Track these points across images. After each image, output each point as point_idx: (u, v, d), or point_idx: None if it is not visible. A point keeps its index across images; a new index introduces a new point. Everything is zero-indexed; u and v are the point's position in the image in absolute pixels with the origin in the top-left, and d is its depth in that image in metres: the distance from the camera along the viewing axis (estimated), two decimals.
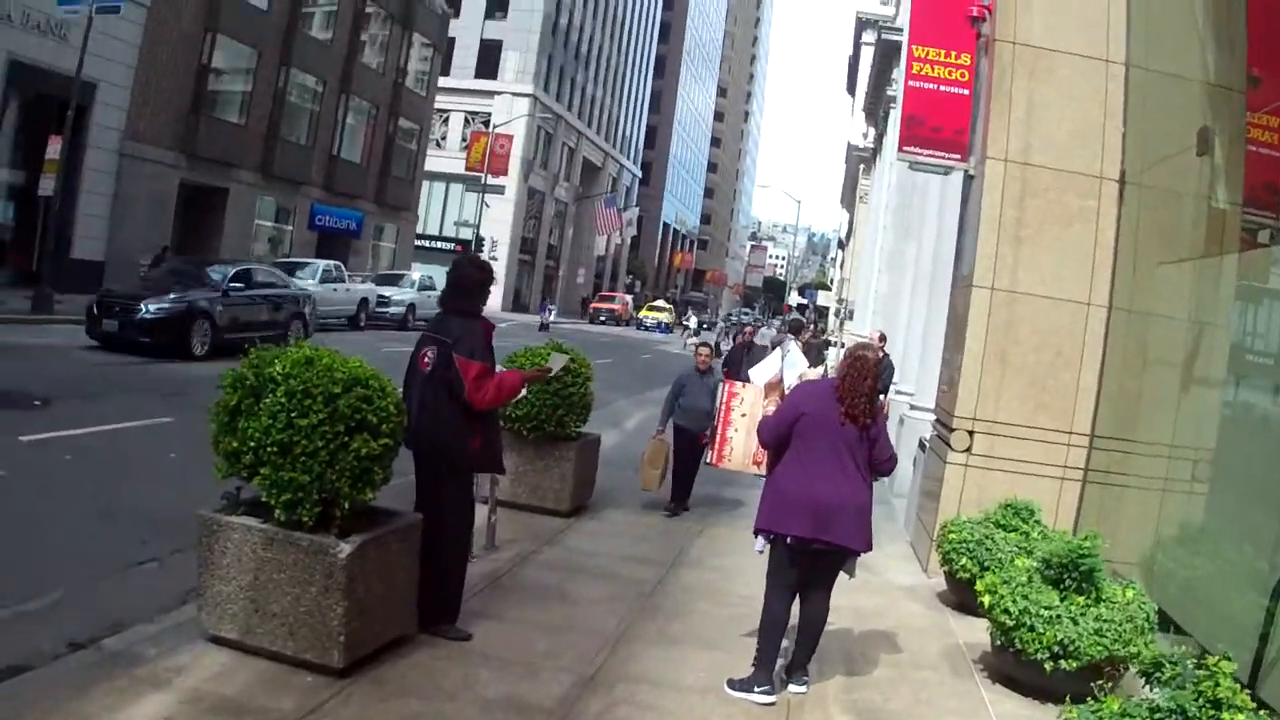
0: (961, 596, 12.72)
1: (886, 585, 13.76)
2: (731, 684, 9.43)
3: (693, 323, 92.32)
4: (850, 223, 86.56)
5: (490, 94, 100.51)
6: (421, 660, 9.22)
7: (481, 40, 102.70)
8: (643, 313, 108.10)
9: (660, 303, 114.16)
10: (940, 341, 17.51)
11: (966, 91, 15.99)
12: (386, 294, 54.91)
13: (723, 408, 12.38)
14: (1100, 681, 9.13)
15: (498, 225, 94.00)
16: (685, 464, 16.89)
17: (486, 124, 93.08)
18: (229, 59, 54.39)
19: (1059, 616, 9.82)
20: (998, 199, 14.11)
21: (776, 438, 9.69)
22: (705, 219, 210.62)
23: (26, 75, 40.95)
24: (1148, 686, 7.22)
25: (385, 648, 9.15)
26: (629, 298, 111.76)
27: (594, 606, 11.42)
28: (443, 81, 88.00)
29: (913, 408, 21.50)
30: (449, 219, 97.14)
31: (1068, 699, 7.55)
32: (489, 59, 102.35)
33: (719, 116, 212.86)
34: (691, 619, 11.39)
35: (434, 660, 9.26)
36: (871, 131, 62.24)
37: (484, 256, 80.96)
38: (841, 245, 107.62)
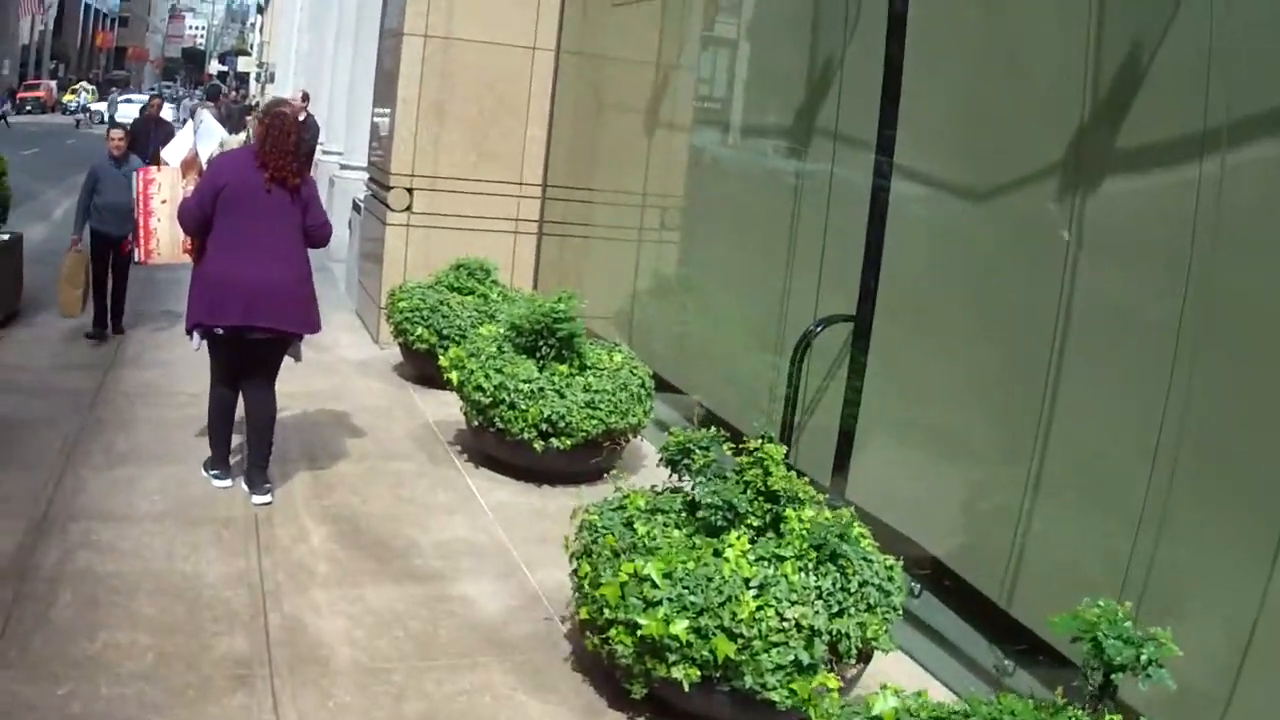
0: (421, 368, 11.32)
1: (338, 362, 12.27)
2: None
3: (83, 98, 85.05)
4: None
5: None
6: None
7: None
8: (66, 97, 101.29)
9: (82, 84, 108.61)
10: (369, 97, 15.90)
11: None
12: None
13: (140, 198, 10.19)
14: (599, 459, 8.41)
15: None
16: (110, 278, 13.30)
17: None
18: None
19: (542, 390, 8.51)
20: None
21: (199, 220, 8.03)
22: None
23: None
24: (675, 476, 5.84)
25: None
26: (53, 83, 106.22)
27: (35, 430, 9.42)
28: None
29: (343, 167, 19.86)
30: None
31: (580, 490, 6.29)
32: None
33: None
34: (138, 429, 9.59)
35: None
36: None
37: None
38: (260, 10, 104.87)
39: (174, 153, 10.14)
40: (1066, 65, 6.07)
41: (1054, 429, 6.03)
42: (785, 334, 8.70)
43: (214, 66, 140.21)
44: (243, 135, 20.28)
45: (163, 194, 9.90)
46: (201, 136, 9.83)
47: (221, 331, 7.93)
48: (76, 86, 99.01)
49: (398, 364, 12.14)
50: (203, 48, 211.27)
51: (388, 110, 13.34)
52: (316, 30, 31.00)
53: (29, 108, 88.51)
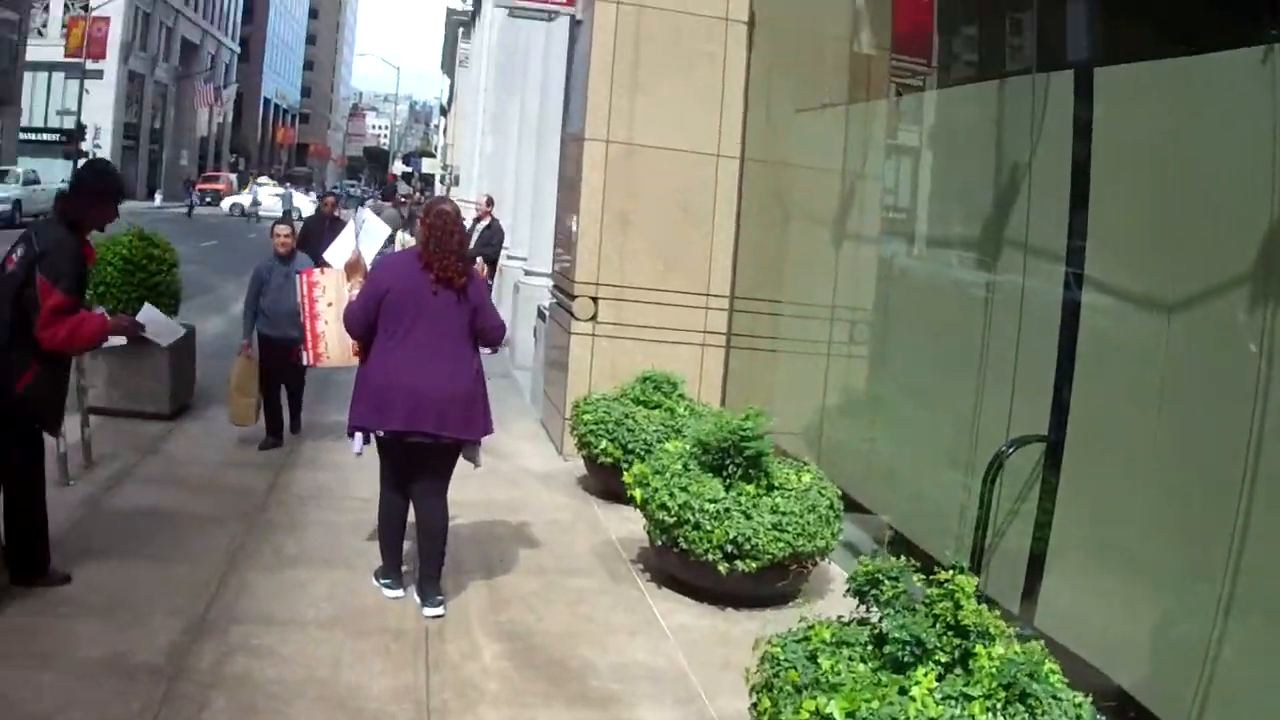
0: (606, 482, 11.21)
1: (519, 472, 12.23)
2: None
3: (261, 195, 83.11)
4: (451, 88, 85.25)
5: None
6: (12, 618, 7.27)
7: None
8: (244, 191, 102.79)
9: (264, 179, 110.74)
10: (552, 202, 16.02)
11: None
12: None
13: (305, 302, 9.97)
14: (785, 582, 8.28)
15: (100, 112, 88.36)
16: (282, 384, 13.07)
17: (86, 8, 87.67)
18: None
19: (728, 510, 8.30)
20: (609, 44, 12.59)
21: (364, 324, 8.11)
22: (306, 92, 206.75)
23: None
24: (863, 607, 5.70)
25: None
26: (233, 176, 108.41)
27: (202, 526, 9.49)
28: None
29: (527, 273, 19.78)
30: (54, 109, 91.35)
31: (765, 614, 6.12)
32: None
33: None
34: (308, 532, 9.65)
35: (27, 617, 7.32)
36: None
37: (87, 145, 77.83)
38: (444, 112, 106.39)
39: (337, 254, 9.94)
40: (1257, 172, 5.86)
41: (1247, 552, 5.78)
42: (976, 452, 8.47)
43: (398, 167, 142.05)
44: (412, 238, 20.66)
45: (328, 296, 9.79)
46: (365, 237, 9.76)
47: (384, 435, 8.04)
48: (257, 181, 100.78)
49: (581, 476, 12.01)
50: (386, 147, 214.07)
51: (571, 217, 13.29)
52: (499, 133, 31.28)
53: (208, 199, 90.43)
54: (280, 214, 46.66)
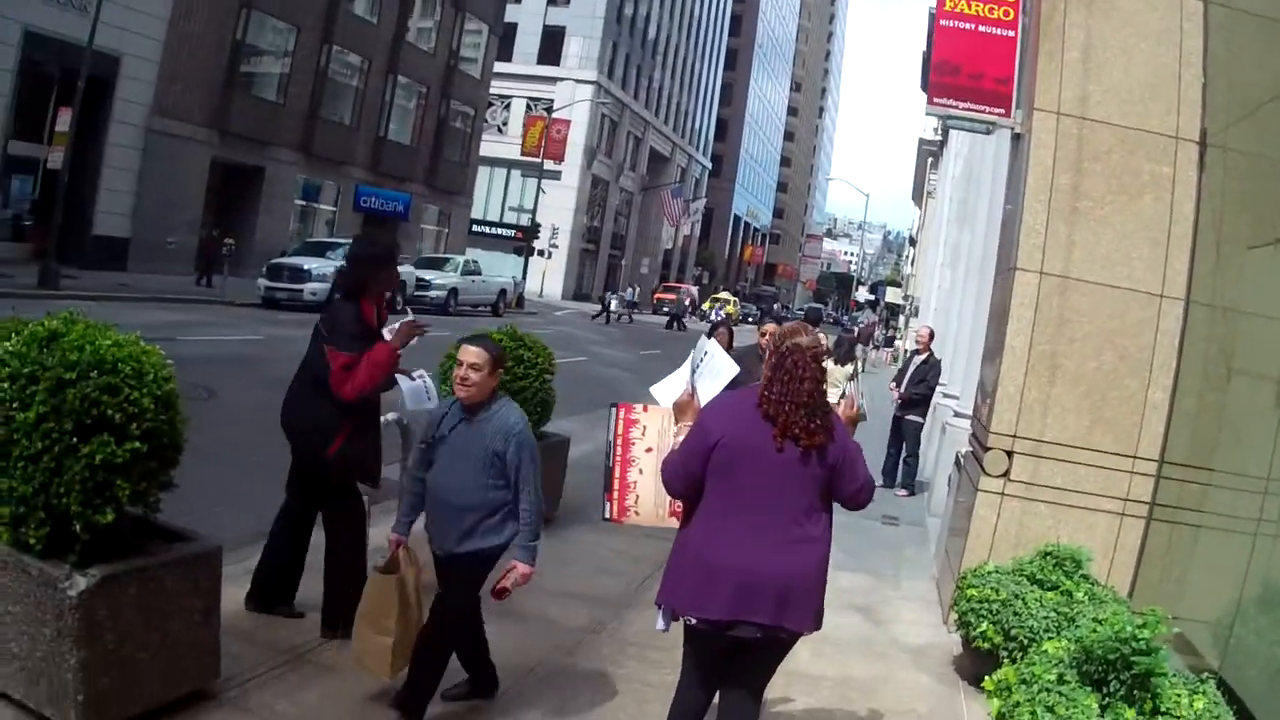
0: (982, 668, 9.65)
1: (892, 643, 11.12)
2: None
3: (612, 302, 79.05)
4: (920, 220, 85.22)
5: (553, 80, 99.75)
6: None
7: (544, 26, 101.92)
8: (705, 305, 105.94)
9: (724, 294, 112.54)
10: None
11: (1012, 33, 12.93)
12: (427, 277, 53.26)
13: (618, 441, 8.59)
14: None
15: (558, 212, 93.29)
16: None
17: (549, 110, 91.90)
18: (265, 35, 53.86)
19: None
20: (1048, 161, 11.41)
21: (686, 480, 6.66)
22: (778, 213, 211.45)
23: (45, 47, 39.90)
24: None
25: (167, 709, 7.07)
26: (694, 289, 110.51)
27: (497, 661, 8.56)
28: (504, 68, 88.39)
29: (956, 414, 18.67)
30: (509, 205, 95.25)
31: None
32: (552, 45, 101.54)
33: (793, 111, 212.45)
34: (614, 690, 8.81)
35: None
36: (940, 125, 60.39)
37: (542, 244, 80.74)
38: (912, 242, 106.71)
39: (666, 390, 8.27)
40: None
41: None
42: None
43: (862, 294, 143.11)
44: (849, 368, 19.64)
45: (648, 440, 8.50)
46: (705, 373, 7.87)
47: (698, 624, 6.53)
48: (719, 295, 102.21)
49: (958, 655, 10.79)
50: (853, 273, 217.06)
51: (995, 358, 12.18)
52: (954, 265, 30.50)
53: (665, 309, 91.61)
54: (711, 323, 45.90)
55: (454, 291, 53.88)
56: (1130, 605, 9.07)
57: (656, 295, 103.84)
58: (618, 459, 8.55)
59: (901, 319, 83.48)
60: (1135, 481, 11.21)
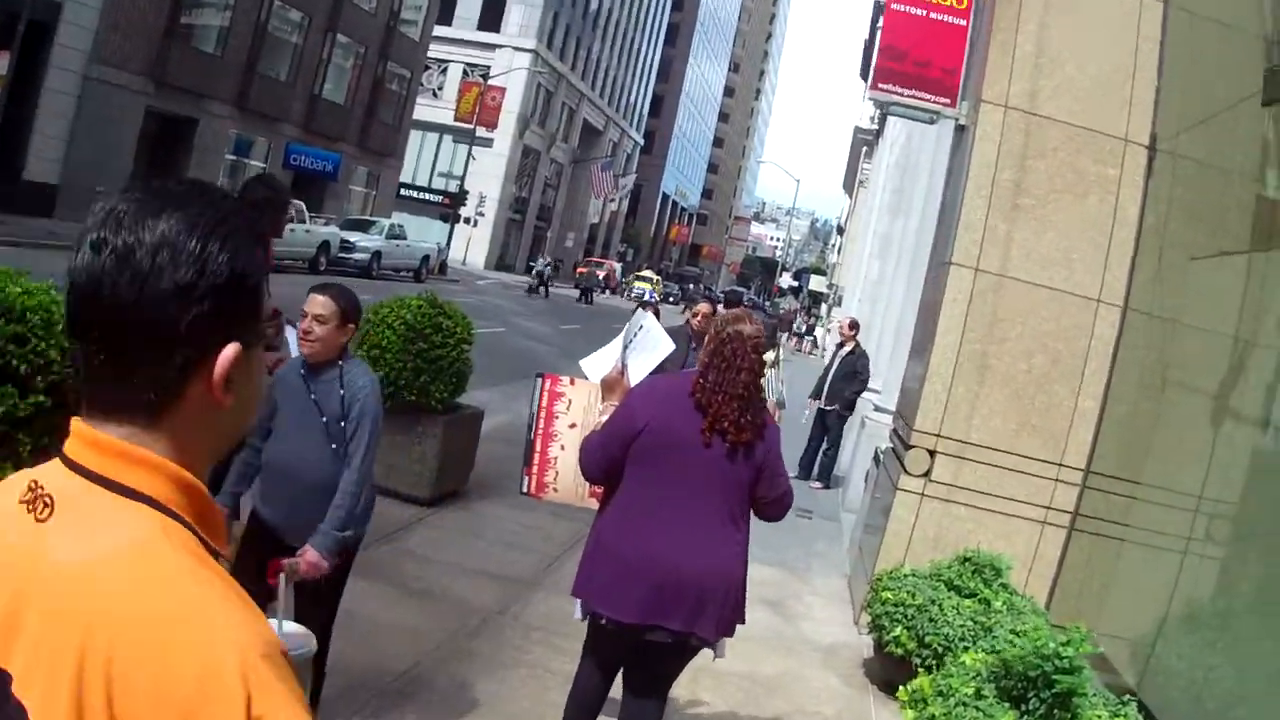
0: (893, 674, 9.56)
1: (800, 642, 10.85)
2: None
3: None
4: (851, 208, 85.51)
5: (491, 47, 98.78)
6: None
7: None
8: (635, 282, 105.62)
9: (647, 272, 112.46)
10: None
11: (964, 21, 12.64)
12: (351, 239, 52.83)
13: (541, 414, 8.02)
14: None
15: (487, 180, 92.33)
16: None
17: (485, 77, 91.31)
18: None
19: None
20: (992, 154, 11.15)
21: (605, 464, 6.25)
22: (707, 194, 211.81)
23: None
24: None
25: None
26: (618, 265, 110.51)
27: (396, 640, 8.48)
28: (444, 31, 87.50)
29: (877, 408, 18.56)
30: (439, 171, 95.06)
31: None
32: (492, 11, 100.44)
33: (729, 92, 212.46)
34: (515, 675, 8.44)
35: None
36: (877, 114, 60.65)
37: (468, 211, 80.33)
38: (840, 231, 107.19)
39: (596, 364, 7.71)
40: None
41: None
42: None
43: (786, 280, 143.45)
44: (770, 354, 19.25)
45: (572, 415, 7.95)
46: (637, 348, 7.46)
47: (606, 623, 6.16)
48: (642, 273, 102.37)
49: (869, 659, 10.52)
50: (780, 259, 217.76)
51: (923, 354, 11.94)
52: (884, 256, 30.43)
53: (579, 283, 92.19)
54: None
55: (377, 255, 53.47)
56: (1049, 618, 8.85)
57: (579, 269, 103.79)
58: (539, 432, 8.01)
59: (824, 307, 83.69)
60: (1059, 490, 11.00)
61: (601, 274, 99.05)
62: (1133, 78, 11.04)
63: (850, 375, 20.65)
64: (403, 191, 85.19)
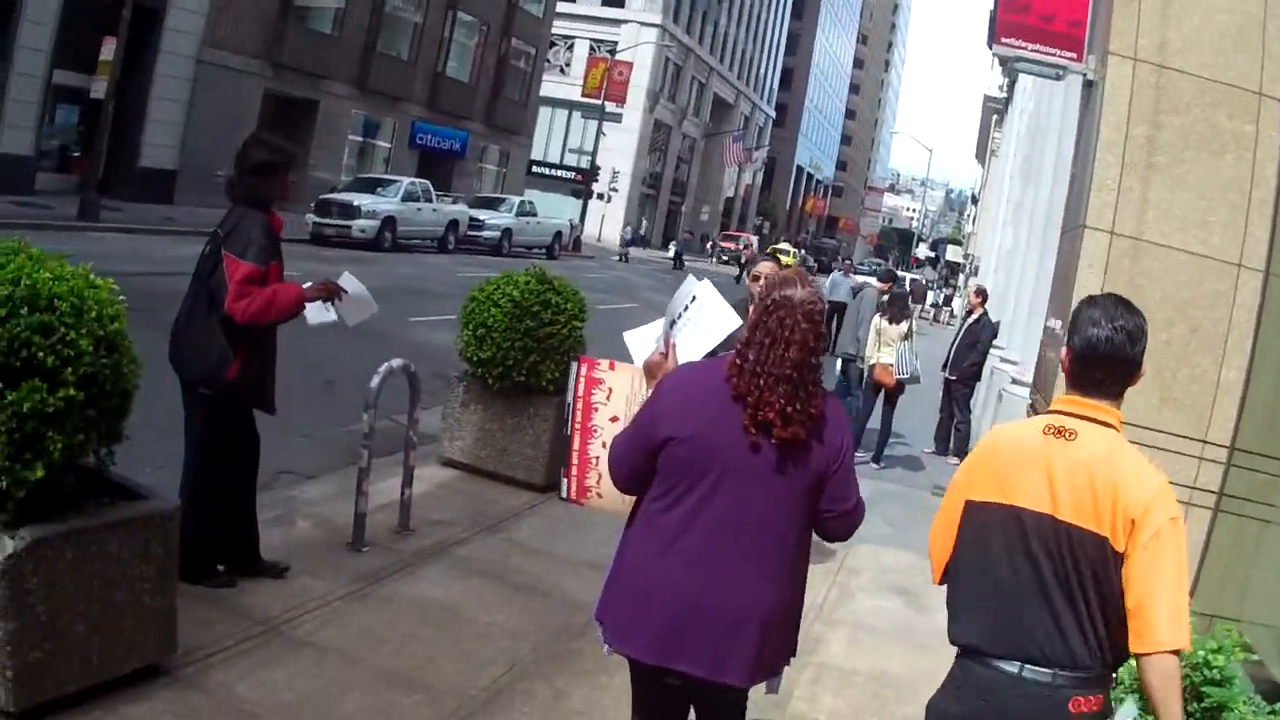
0: None
1: (935, 634, 9.57)
2: None
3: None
4: (984, 178, 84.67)
5: (617, 22, 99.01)
6: (156, 711, 6.31)
7: None
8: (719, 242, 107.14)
9: (784, 245, 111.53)
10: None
11: None
12: (480, 217, 53.14)
13: (578, 405, 6.48)
14: None
15: (618, 156, 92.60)
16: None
17: (613, 53, 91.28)
18: None
19: None
20: (1123, 111, 10.44)
21: (629, 477, 5.13)
22: (841, 166, 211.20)
23: None
24: None
25: (110, 686, 6.35)
26: (754, 238, 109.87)
27: (483, 642, 8.04)
28: (567, 8, 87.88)
29: (1015, 381, 17.83)
30: (570, 147, 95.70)
31: None
32: None
33: (858, 64, 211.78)
34: (620, 680, 6.92)
35: (170, 714, 6.31)
36: (1006, 81, 59.86)
37: (601, 187, 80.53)
38: (974, 200, 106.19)
39: (642, 340, 6.67)
40: None
41: None
42: None
43: (922, 251, 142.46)
44: (903, 326, 18.55)
45: (613, 406, 6.41)
46: (688, 325, 5.98)
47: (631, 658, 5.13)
48: (779, 245, 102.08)
49: None
50: (915, 230, 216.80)
51: (1057, 324, 11.41)
52: (1017, 224, 29.85)
53: (725, 258, 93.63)
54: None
55: (508, 232, 53.75)
56: (1194, 609, 8.28)
57: (720, 243, 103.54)
58: (576, 427, 6.53)
59: (961, 277, 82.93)
60: (1204, 469, 10.33)
61: (739, 246, 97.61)
62: (1263, 26, 10.34)
63: (972, 345, 20.10)
64: (534, 169, 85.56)
